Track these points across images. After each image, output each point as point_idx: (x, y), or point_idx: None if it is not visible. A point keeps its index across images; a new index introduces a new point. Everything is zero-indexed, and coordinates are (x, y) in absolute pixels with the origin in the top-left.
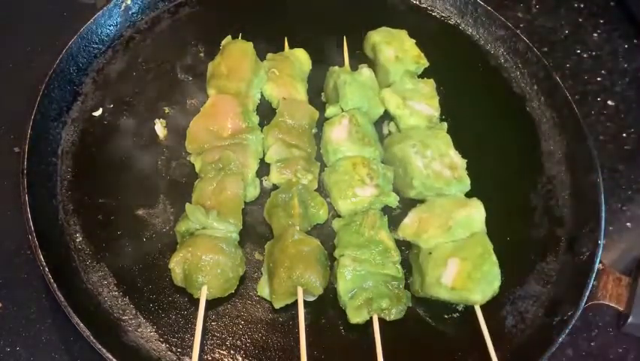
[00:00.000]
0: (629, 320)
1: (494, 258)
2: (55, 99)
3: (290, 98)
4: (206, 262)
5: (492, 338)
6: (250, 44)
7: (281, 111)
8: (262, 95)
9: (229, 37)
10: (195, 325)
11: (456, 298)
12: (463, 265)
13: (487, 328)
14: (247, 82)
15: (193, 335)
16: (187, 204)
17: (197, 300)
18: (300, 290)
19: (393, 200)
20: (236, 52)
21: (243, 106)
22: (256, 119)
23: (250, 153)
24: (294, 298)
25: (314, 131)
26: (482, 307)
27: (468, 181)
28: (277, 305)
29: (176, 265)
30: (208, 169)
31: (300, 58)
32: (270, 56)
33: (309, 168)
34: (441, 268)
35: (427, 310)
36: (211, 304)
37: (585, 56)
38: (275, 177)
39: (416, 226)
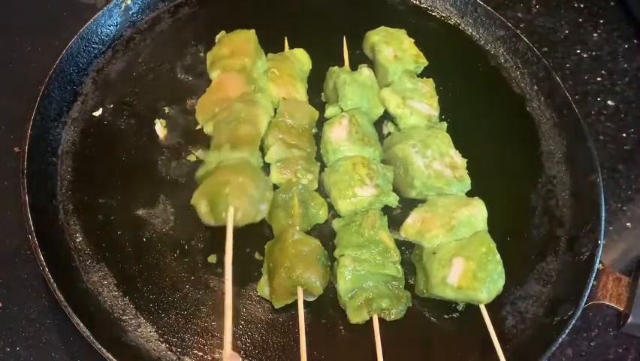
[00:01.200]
0: (629, 320)
1: (498, 257)
2: (55, 99)
3: (290, 98)
4: (229, 183)
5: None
6: (252, 31)
7: (281, 111)
8: None
9: (223, 32)
10: (224, 305)
11: (462, 297)
12: (468, 265)
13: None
14: (252, 59)
15: (193, 335)
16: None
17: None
18: (300, 290)
19: (393, 200)
20: (239, 37)
21: (249, 80)
22: (263, 83)
23: (261, 108)
24: (294, 298)
25: (314, 131)
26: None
27: (469, 181)
28: (277, 305)
29: (199, 198)
30: (221, 126)
31: (300, 58)
32: (270, 56)
33: (309, 168)
34: (446, 268)
35: (428, 311)
36: (211, 304)
37: (585, 56)
38: (275, 177)
39: (419, 226)
